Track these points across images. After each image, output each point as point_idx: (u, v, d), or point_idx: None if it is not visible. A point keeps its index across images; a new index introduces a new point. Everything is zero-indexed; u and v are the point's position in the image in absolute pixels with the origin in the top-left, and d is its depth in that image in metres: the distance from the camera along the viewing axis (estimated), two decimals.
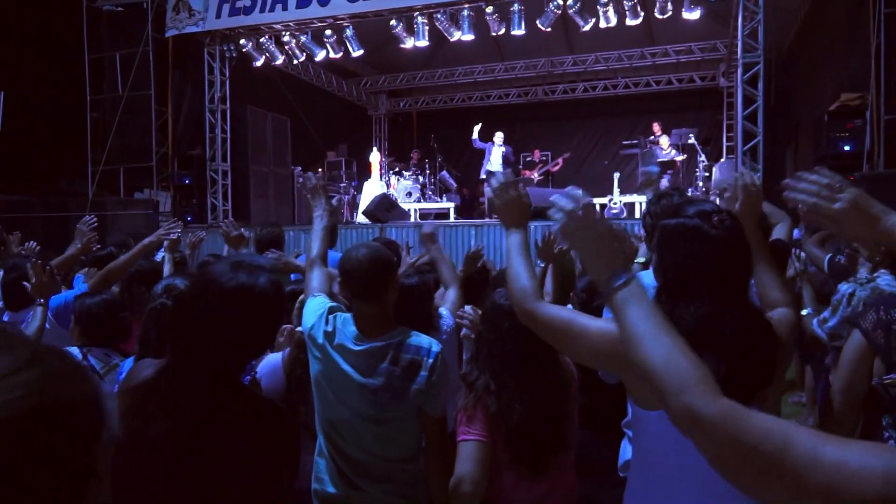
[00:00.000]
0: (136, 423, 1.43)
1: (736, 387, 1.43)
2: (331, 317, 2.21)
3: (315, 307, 2.27)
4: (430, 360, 2.07)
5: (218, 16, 10.03)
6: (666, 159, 10.86)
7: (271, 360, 2.79)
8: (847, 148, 7.45)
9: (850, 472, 0.84)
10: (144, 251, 3.88)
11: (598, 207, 1.36)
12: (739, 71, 8.51)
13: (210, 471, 1.40)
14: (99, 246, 4.06)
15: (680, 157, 11.02)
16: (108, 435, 0.76)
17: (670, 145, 11.06)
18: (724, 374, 1.41)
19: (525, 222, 1.81)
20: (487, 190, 2.07)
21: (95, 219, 3.90)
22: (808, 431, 0.92)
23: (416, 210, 11.87)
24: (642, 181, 9.10)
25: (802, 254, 3.65)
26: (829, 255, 3.65)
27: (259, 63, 10.89)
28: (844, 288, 2.88)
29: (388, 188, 12.54)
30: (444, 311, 2.94)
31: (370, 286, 2.14)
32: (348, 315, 2.20)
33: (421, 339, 2.13)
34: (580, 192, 1.29)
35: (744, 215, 1.86)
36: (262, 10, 9.85)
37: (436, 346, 2.11)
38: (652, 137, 11.55)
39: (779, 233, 3.11)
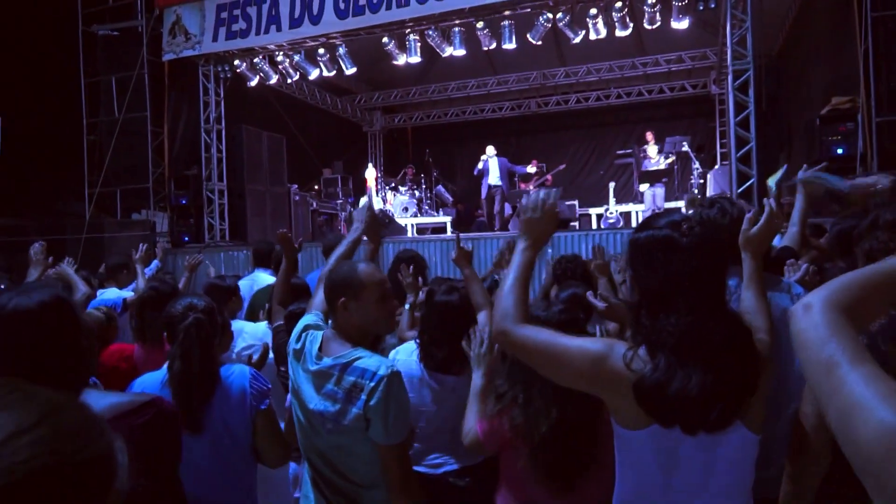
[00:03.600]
0: None
1: (722, 396, 1.42)
2: (304, 334, 2.19)
3: (300, 324, 2.28)
4: (372, 384, 1.96)
5: (215, 39, 10.10)
6: (656, 168, 10.91)
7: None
8: (840, 151, 7.52)
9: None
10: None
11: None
12: (730, 78, 8.57)
13: None
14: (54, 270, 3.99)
15: (667, 161, 11.02)
16: (118, 488, 0.76)
17: (659, 153, 11.11)
18: (710, 385, 1.41)
19: (544, 244, 1.79)
20: (525, 200, 2.02)
21: (44, 244, 3.93)
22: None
23: (412, 225, 11.90)
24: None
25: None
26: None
27: (253, 83, 10.96)
28: None
29: (384, 204, 12.58)
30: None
31: (326, 299, 2.18)
32: (319, 333, 2.18)
33: (369, 362, 2.01)
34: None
35: (759, 238, 1.86)
36: (257, 33, 9.93)
37: (383, 370, 1.98)
38: (645, 147, 11.62)
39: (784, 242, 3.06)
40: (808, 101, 9.28)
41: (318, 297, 2.34)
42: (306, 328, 2.22)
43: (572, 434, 1.95)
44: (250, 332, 3.47)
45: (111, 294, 4.59)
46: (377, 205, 11.80)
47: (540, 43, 10.03)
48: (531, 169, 12.81)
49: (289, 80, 11.38)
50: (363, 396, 1.96)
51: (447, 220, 12.31)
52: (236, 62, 10.65)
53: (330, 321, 2.23)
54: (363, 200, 12.06)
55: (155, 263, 6.05)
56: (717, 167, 11.71)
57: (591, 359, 1.52)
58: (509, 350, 1.71)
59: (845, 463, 1.70)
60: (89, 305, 3.71)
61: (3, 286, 2.81)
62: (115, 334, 3.44)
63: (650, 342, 1.49)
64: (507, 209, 12.30)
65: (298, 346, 2.18)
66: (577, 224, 10.89)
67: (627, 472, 1.60)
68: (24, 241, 8.38)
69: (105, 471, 0.74)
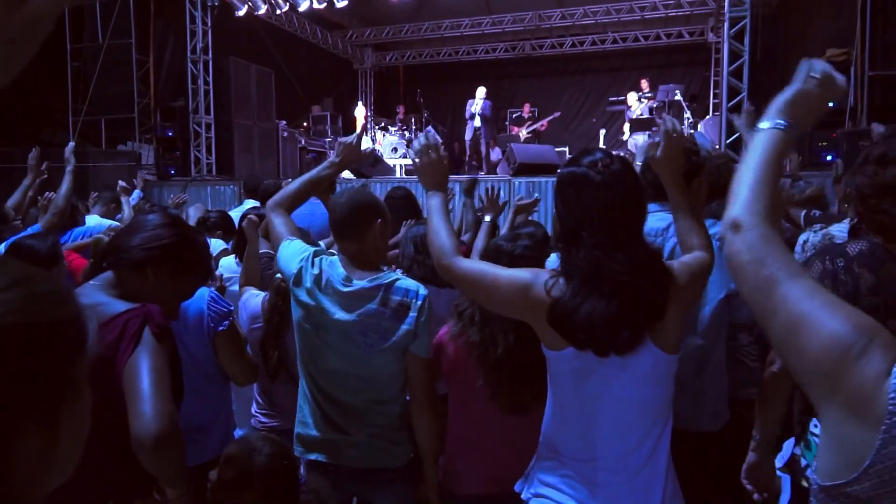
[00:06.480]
0: None
1: (627, 321, 1.56)
2: (316, 260, 2.21)
3: (296, 251, 2.24)
4: (419, 302, 2.12)
5: None
6: (640, 117, 10.85)
7: (252, 304, 2.82)
8: (830, 104, 7.47)
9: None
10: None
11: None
12: (726, 25, 8.46)
13: None
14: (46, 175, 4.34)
15: (643, 108, 10.94)
16: (87, 354, 0.80)
17: (639, 102, 11.02)
18: (615, 311, 1.54)
19: (444, 184, 1.96)
20: (413, 147, 2.02)
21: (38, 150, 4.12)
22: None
23: (401, 166, 11.83)
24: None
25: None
26: (805, 210, 3.63)
27: (242, 12, 10.69)
28: (802, 236, 2.88)
29: (373, 143, 12.47)
30: None
31: (347, 225, 2.20)
32: (334, 258, 2.22)
33: (408, 283, 2.17)
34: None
35: (664, 160, 1.84)
36: None
37: (423, 290, 2.16)
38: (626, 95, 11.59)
39: None
40: (805, 55, 9.13)
41: (285, 227, 2.34)
42: (316, 254, 2.24)
43: (525, 360, 2.01)
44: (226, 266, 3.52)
45: (92, 221, 4.69)
46: (366, 143, 11.70)
47: None
48: (525, 113, 12.72)
49: (278, 11, 11.11)
50: (413, 314, 2.10)
51: None
52: None
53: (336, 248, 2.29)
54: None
55: (137, 193, 6.04)
56: (708, 117, 11.66)
57: (518, 286, 1.68)
58: (452, 282, 1.86)
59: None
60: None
61: None
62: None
63: (564, 272, 1.62)
64: (497, 154, 12.25)
65: (316, 270, 2.19)
66: None
67: (552, 389, 1.76)
68: (10, 169, 8.28)
69: (76, 333, 0.78)
